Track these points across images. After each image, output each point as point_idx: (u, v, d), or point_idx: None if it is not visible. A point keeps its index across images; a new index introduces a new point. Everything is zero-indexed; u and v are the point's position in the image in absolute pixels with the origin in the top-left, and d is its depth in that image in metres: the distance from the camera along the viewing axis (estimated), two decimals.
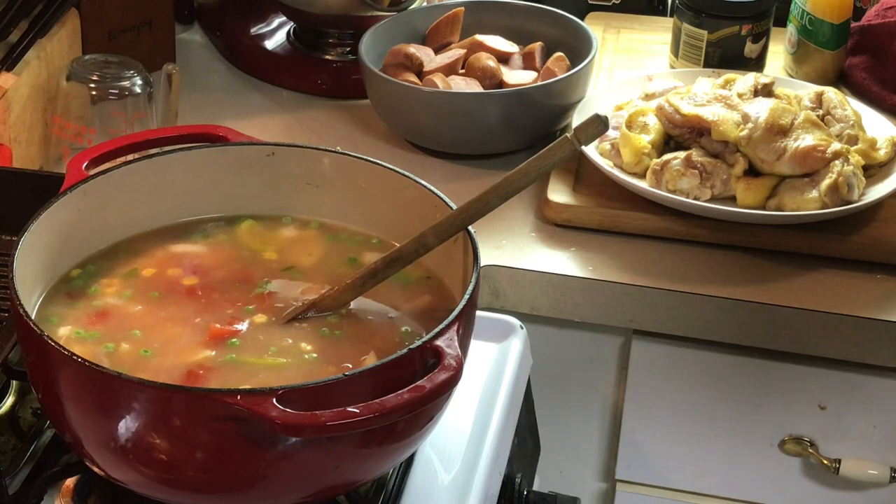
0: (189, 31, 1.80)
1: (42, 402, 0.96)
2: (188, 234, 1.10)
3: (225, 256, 1.07)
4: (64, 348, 0.87)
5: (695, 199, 1.34)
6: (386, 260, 1.00)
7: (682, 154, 1.36)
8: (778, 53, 1.65)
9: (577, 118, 1.44)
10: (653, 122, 1.40)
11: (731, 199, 1.35)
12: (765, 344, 1.30)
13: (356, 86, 1.57)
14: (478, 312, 1.02)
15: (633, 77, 1.54)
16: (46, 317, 0.99)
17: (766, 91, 1.43)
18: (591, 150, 1.39)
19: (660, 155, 1.38)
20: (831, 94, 1.44)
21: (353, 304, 1.01)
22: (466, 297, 0.93)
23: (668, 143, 1.40)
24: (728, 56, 1.58)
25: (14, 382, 1.08)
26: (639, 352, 1.36)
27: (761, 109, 1.36)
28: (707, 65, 1.59)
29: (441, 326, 0.90)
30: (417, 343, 0.89)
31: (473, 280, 0.95)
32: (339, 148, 1.12)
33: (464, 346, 0.94)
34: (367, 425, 0.84)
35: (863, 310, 1.27)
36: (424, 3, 1.64)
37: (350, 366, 0.95)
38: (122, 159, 1.09)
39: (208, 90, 1.66)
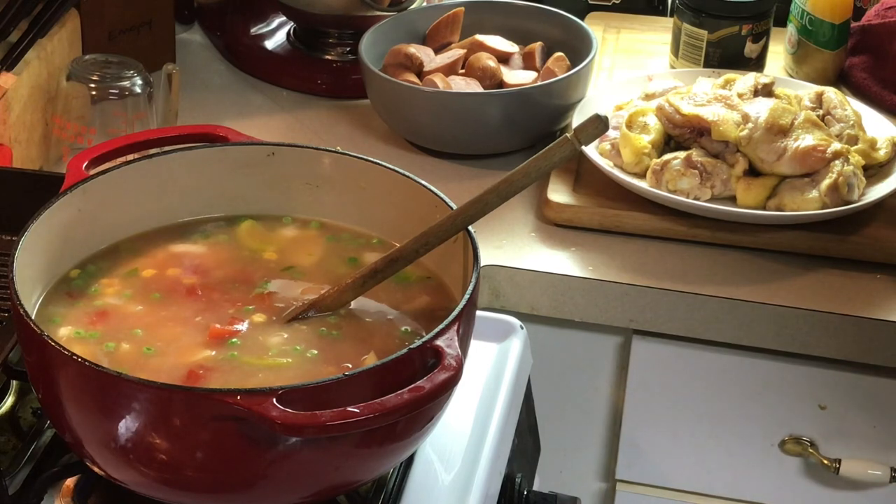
0: (189, 31, 1.80)
1: (42, 402, 0.95)
2: (188, 234, 1.10)
3: (225, 256, 1.07)
4: (64, 348, 0.87)
5: (695, 199, 1.34)
6: (386, 260, 1.00)
7: (682, 154, 1.36)
8: (778, 53, 1.65)
9: (577, 118, 1.44)
10: (653, 122, 1.40)
11: (731, 199, 1.35)
12: (765, 344, 1.30)
13: (356, 86, 1.57)
14: (478, 312, 1.02)
15: (633, 77, 1.54)
16: (47, 317, 0.99)
17: (766, 91, 1.43)
18: (591, 150, 1.39)
19: (660, 155, 1.38)
20: (831, 94, 1.44)
21: (353, 304, 1.01)
22: (466, 297, 0.93)
23: (668, 143, 1.40)
24: (728, 56, 1.58)
25: (14, 382, 1.08)
26: (639, 352, 1.36)
27: (761, 109, 1.36)
28: (707, 65, 1.59)
29: (441, 326, 0.90)
30: (417, 343, 0.89)
31: (473, 280, 0.95)
32: (339, 148, 1.12)
33: (464, 346, 0.94)
34: (367, 425, 0.84)
35: (863, 310, 1.27)
36: (424, 3, 1.64)
37: (350, 366, 0.95)
38: (122, 159, 1.09)
39: (208, 90, 1.66)
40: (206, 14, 1.80)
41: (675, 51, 1.62)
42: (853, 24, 1.61)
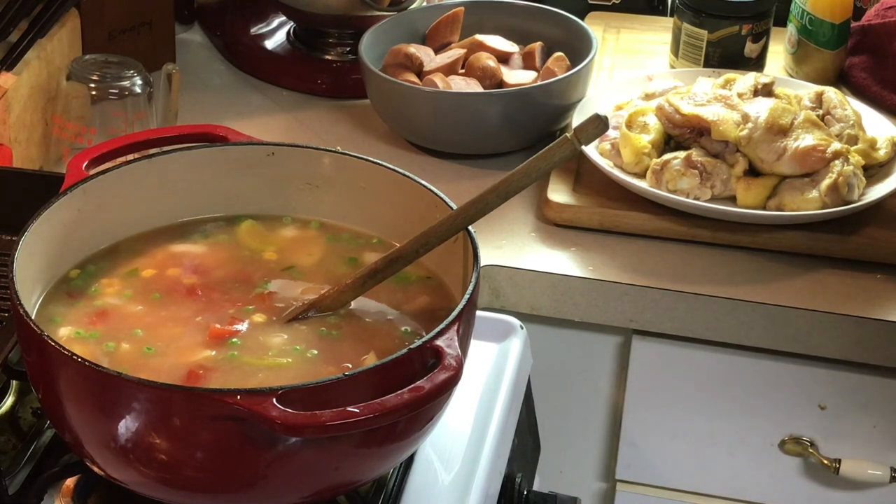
0: (189, 31, 1.80)
1: (42, 402, 0.95)
2: (188, 234, 1.10)
3: (225, 256, 1.07)
4: (64, 348, 0.87)
5: (695, 199, 1.34)
6: (386, 260, 1.00)
7: (682, 154, 1.36)
8: (778, 53, 1.65)
9: (577, 118, 1.44)
10: (653, 122, 1.40)
11: (731, 199, 1.35)
12: (765, 344, 1.30)
13: (356, 86, 1.57)
14: (478, 312, 1.02)
15: (633, 77, 1.54)
16: (47, 317, 0.99)
17: (766, 91, 1.43)
18: (591, 150, 1.39)
19: (660, 155, 1.38)
20: (831, 94, 1.44)
21: (353, 304, 1.01)
22: (466, 297, 0.93)
23: (668, 143, 1.40)
24: (728, 56, 1.58)
25: (14, 382, 1.08)
26: (639, 352, 1.36)
27: (761, 109, 1.36)
28: (707, 65, 1.59)
29: (441, 326, 0.90)
30: (417, 343, 0.89)
31: (473, 280, 0.95)
32: (339, 148, 1.12)
33: (464, 346, 0.94)
34: (367, 425, 0.84)
35: (863, 310, 1.27)
36: (424, 3, 1.64)
37: (350, 366, 0.95)
38: (122, 159, 1.09)
39: (208, 90, 1.66)
40: (206, 14, 1.80)
41: (675, 51, 1.62)
42: (853, 24, 1.61)
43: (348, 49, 1.68)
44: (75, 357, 0.86)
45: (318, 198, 1.11)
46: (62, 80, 1.43)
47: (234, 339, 0.97)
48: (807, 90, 1.47)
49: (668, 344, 1.34)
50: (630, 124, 1.40)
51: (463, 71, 1.51)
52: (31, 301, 0.99)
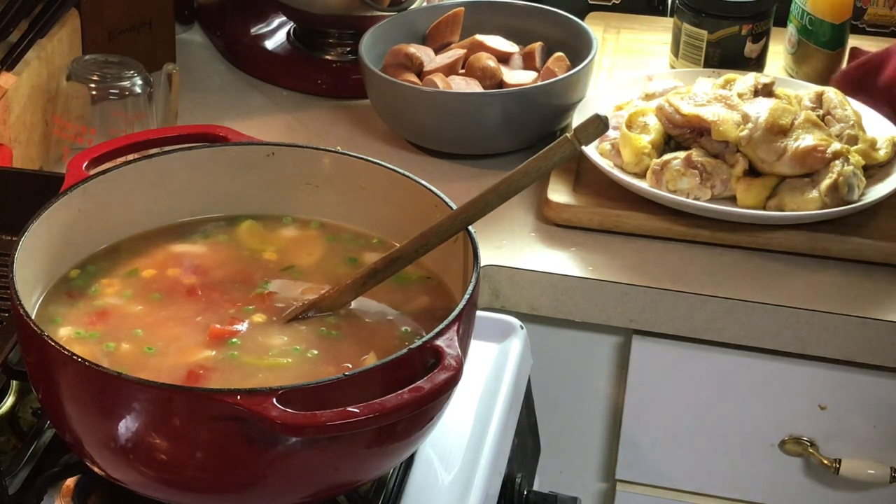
0: (189, 31, 1.80)
1: (42, 402, 0.96)
2: (188, 234, 1.10)
3: (225, 256, 1.07)
4: (64, 348, 0.87)
5: (695, 199, 1.34)
6: (386, 260, 1.00)
7: (682, 154, 1.36)
8: (778, 53, 1.65)
9: (577, 118, 1.44)
10: (653, 122, 1.40)
11: (731, 199, 1.35)
12: (765, 344, 1.30)
13: (356, 86, 1.57)
14: (478, 312, 1.02)
15: (633, 77, 1.54)
16: (47, 317, 0.99)
17: (766, 91, 1.43)
18: (591, 150, 1.39)
19: (660, 155, 1.38)
20: (831, 94, 1.44)
21: (353, 304, 1.01)
22: (466, 297, 0.93)
23: (668, 143, 1.40)
24: (728, 56, 1.58)
25: (14, 382, 1.08)
26: (639, 352, 1.36)
27: (761, 109, 1.36)
28: (707, 65, 1.59)
29: (441, 326, 0.90)
30: (417, 343, 0.89)
31: (473, 280, 0.95)
32: (339, 148, 1.12)
33: (464, 346, 0.94)
34: (367, 425, 0.84)
35: (863, 310, 1.27)
36: (424, 3, 1.64)
37: (350, 366, 0.95)
38: (122, 159, 1.09)
39: (208, 90, 1.66)
40: (206, 14, 1.80)
41: (675, 51, 1.62)
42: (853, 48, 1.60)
43: (348, 49, 1.68)
44: (75, 357, 0.86)
45: (318, 198, 1.11)
46: (62, 80, 1.43)
47: (234, 339, 0.97)
48: (807, 90, 1.47)
49: (668, 344, 1.34)
50: (630, 124, 1.40)
51: (463, 71, 1.51)
52: (31, 301, 0.99)
